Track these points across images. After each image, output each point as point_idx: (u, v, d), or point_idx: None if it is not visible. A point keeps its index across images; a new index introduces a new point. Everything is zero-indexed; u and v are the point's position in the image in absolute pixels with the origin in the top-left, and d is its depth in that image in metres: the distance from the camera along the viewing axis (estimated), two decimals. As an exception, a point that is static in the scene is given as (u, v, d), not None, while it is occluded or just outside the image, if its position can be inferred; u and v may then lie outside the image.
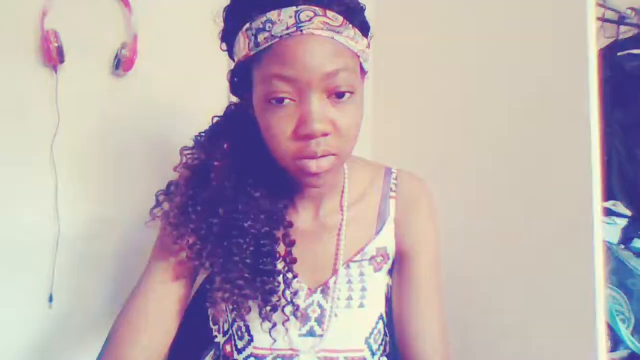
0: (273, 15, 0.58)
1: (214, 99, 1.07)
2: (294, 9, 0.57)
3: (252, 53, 0.60)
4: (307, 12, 0.57)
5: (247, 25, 0.60)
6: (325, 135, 0.59)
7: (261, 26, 0.58)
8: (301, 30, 0.57)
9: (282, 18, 0.57)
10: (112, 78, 1.05)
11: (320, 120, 0.58)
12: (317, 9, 0.58)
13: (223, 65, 1.18)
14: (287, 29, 0.57)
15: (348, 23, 0.60)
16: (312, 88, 0.57)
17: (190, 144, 0.72)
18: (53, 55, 0.95)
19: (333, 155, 0.61)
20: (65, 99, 0.99)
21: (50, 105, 0.98)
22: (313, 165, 0.60)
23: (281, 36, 0.57)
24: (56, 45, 0.95)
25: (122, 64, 1.03)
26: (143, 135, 1.09)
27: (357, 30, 0.61)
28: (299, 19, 0.57)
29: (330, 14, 0.58)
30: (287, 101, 0.58)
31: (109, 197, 1.06)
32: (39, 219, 0.99)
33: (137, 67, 1.05)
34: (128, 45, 1.03)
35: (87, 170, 1.04)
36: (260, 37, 0.58)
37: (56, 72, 0.98)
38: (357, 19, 0.62)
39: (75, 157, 1.02)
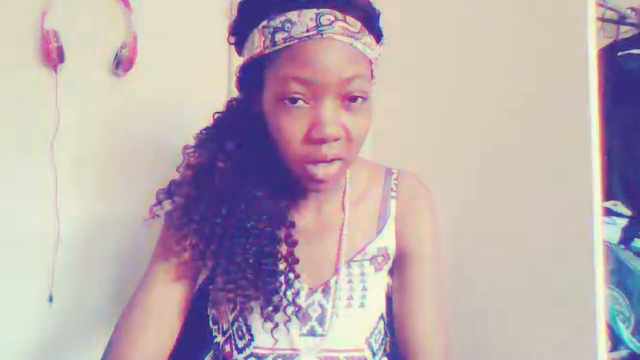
0: (293, 15, 0.58)
1: (214, 98, 1.07)
2: (315, 11, 0.57)
3: (268, 52, 0.59)
4: (328, 15, 0.57)
5: (265, 23, 0.60)
6: (337, 140, 0.59)
7: (280, 25, 0.58)
8: (322, 34, 0.57)
9: (303, 19, 0.57)
10: (112, 78, 1.05)
11: (333, 124, 0.58)
12: (337, 13, 0.58)
13: (223, 65, 1.19)
14: (308, 31, 0.57)
15: (365, 30, 0.60)
16: (327, 92, 0.58)
17: (191, 143, 0.72)
18: (53, 55, 0.95)
19: (340, 160, 0.61)
20: (65, 99, 0.99)
21: (50, 105, 0.98)
22: (320, 172, 0.60)
23: (300, 38, 0.57)
24: (56, 45, 0.96)
25: (122, 64, 1.03)
26: (143, 135, 1.09)
27: (372, 37, 0.62)
28: (320, 22, 0.57)
29: (349, 19, 0.59)
30: (300, 102, 0.58)
31: (109, 197, 1.06)
32: (39, 219, 0.99)
33: (137, 67, 1.05)
34: (128, 45, 1.03)
35: (87, 170, 1.04)
36: (278, 37, 0.58)
37: (56, 72, 0.99)
38: (374, 26, 0.62)
39: (75, 157, 1.02)
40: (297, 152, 0.60)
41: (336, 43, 0.57)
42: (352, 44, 0.58)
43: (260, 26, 0.60)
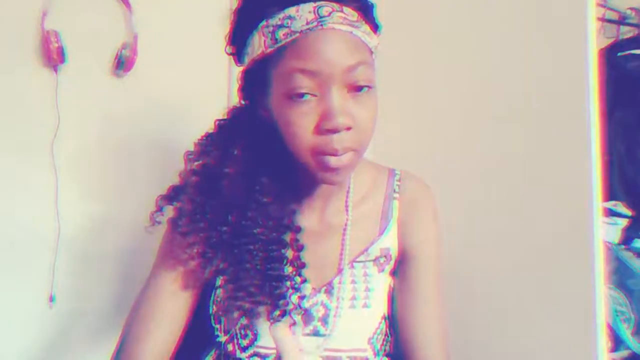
0: (291, 11, 0.58)
1: (214, 98, 1.08)
2: (312, 4, 0.58)
3: (270, 50, 0.60)
4: (326, 7, 0.58)
5: (264, 23, 0.60)
6: (348, 129, 0.59)
7: (279, 22, 0.59)
8: (322, 25, 0.57)
9: (301, 14, 0.58)
10: (112, 78, 1.05)
11: (342, 114, 0.58)
12: (334, 4, 0.59)
13: (223, 65, 1.19)
14: (308, 23, 0.57)
15: (362, 19, 0.61)
16: (333, 82, 0.58)
17: (191, 144, 0.72)
18: (53, 55, 0.96)
19: (352, 150, 0.61)
20: (65, 99, 0.99)
21: (50, 105, 0.99)
22: (333, 161, 0.60)
23: (302, 31, 0.57)
24: (56, 45, 0.96)
25: (122, 64, 1.03)
26: (143, 135, 1.09)
27: (369, 26, 0.63)
28: (319, 14, 0.58)
29: (346, 9, 0.60)
30: (307, 96, 0.59)
31: (109, 197, 1.06)
32: (39, 219, 0.99)
33: (137, 67, 1.05)
34: (128, 45, 1.03)
35: (87, 170, 1.04)
36: (279, 34, 0.58)
37: (56, 72, 0.99)
38: (369, 16, 0.63)
39: (75, 157, 1.02)
40: (309, 145, 0.60)
41: (337, 32, 0.58)
42: (352, 32, 0.59)
43: (260, 27, 0.61)
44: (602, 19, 1.44)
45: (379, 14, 0.66)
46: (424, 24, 1.14)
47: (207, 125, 0.73)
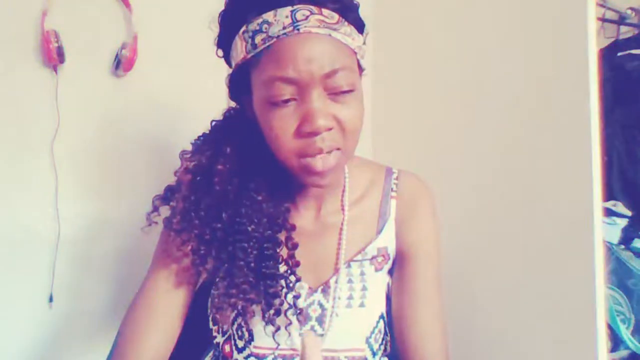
0: (269, 16, 0.58)
1: (213, 99, 1.07)
2: (290, 8, 0.58)
3: (250, 55, 0.60)
4: (302, 10, 0.58)
5: (244, 28, 0.60)
6: (329, 129, 0.59)
7: (257, 27, 0.58)
8: (298, 29, 0.57)
9: (278, 18, 0.57)
10: (112, 78, 1.05)
11: (322, 116, 0.58)
12: (312, 7, 0.58)
13: (222, 65, 1.18)
14: (284, 28, 0.57)
15: (343, 20, 0.60)
16: (312, 86, 0.58)
17: (189, 145, 0.72)
18: (53, 55, 0.95)
19: (338, 149, 0.61)
20: (65, 99, 0.99)
21: (50, 105, 0.98)
22: (319, 164, 0.60)
23: (278, 36, 0.57)
24: (56, 45, 0.95)
25: (122, 64, 1.03)
26: (143, 135, 1.09)
27: (352, 27, 0.62)
28: (295, 18, 0.57)
29: (325, 11, 0.59)
30: (287, 100, 0.59)
31: (109, 197, 1.06)
32: (39, 219, 0.99)
33: (137, 67, 1.05)
34: (128, 45, 1.03)
35: (87, 170, 1.04)
36: (257, 39, 0.58)
37: (56, 72, 0.99)
38: (352, 16, 0.62)
39: (75, 157, 1.02)
40: (290, 147, 0.60)
41: (313, 36, 0.58)
42: (330, 35, 0.58)
43: (240, 32, 0.61)
44: (602, 19, 1.45)
45: (379, 11, 0.66)
46: (425, 22, 1.14)
47: (206, 125, 0.74)
